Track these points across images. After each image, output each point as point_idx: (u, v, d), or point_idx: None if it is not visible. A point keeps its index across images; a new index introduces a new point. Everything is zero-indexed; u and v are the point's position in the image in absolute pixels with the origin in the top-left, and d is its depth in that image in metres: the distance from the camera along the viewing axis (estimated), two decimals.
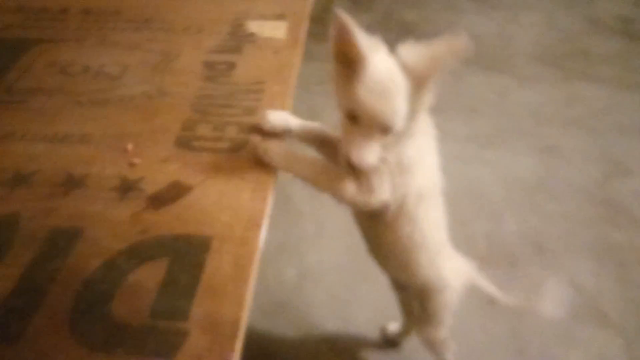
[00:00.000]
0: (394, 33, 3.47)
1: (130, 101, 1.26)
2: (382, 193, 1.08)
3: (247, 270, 0.87)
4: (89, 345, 0.77)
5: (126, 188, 1.02)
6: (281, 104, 1.23)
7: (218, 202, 0.99)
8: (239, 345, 0.77)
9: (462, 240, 2.16)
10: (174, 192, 1.01)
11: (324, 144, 1.18)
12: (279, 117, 1.14)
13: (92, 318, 0.80)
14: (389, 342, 1.83)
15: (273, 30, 1.48)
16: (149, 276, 0.86)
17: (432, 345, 1.56)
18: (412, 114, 1.00)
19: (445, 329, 1.50)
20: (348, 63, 0.97)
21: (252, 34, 1.47)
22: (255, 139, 1.10)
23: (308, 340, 1.85)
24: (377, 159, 1.01)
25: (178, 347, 0.76)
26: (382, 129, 0.98)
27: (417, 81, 0.96)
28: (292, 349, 1.84)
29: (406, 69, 0.95)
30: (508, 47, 3.55)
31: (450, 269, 1.37)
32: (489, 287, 1.53)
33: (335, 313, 1.91)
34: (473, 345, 1.84)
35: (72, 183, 1.04)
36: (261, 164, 1.06)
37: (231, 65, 1.37)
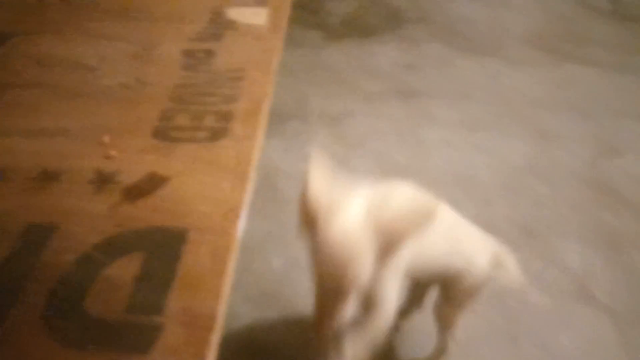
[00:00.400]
0: (382, 19, 3.46)
1: (108, 92, 1.24)
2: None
3: (225, 261, 0.86)
4: (64, 341, 0.76)
5: (102, 181, 1.01)
6: (261, 90, 1.21)
7: (196, 192, 0.97)
8: (215, 339, 0.76)
9: None
10: (151, 184, 0.99)
11: None
12: None
13: (67, 314, 0.79)
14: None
15: (253, 16, 1.46)
16: (124, 270, 0.85)
17: (443, 322, 1.54)
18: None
19: (461, 314, 1.50)
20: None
21: (232, 21, 1.45)
22: None
23: (297, 330, 1.84)
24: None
25: (153, 342, 0.74)
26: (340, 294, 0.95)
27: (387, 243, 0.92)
28: (281, 338, 1.83)
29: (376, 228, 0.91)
30: (499, 30, 3.54)
31: (480, 261, 1.37)
32: None
33: None
34: (465, 329, 1.83)
35: (47, 177, 1.02)
36: (242, 153, 1.04)
37: (211, 54, 1.35)
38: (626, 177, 2.43)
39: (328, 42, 3.43)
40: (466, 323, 1.84)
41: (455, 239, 1.30)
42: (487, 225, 2.15)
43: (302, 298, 1.78)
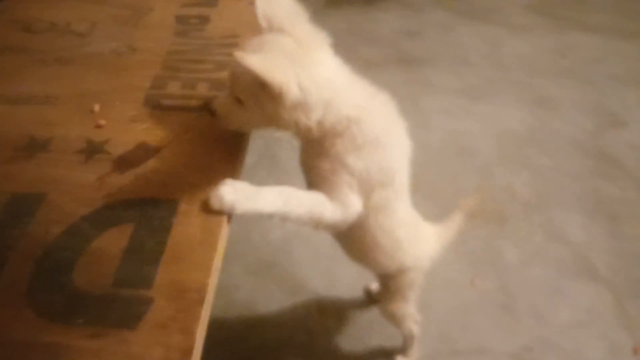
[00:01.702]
0: None
1: (98, 59, 1.21)
2: (354, 205, 1.00)
3: (215, 234, 0.84)
4: (48, 315, 0.74)
5: (92, 151, 0.98)
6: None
7: (187, 163, 0.95)
8: (205, 313, 0.74)
9: (451, 195, 2.16)
10: (141, 154, 0.97)
11: None
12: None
13: (52, 287, 0.77)
14: (373, 301, 1.81)
15: None
16: (113, 242, 0.83)
17: (396, 321, 1.52)
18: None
19: (411, 304, 1.46)
20: None
21: None
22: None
23: (296, 300, 1.84)
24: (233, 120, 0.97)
25: (141, 316, 0.73)
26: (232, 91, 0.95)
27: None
28: (280, 309, 1.83)
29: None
30: None
31: (413, 255, 1.29)
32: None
33: (321, 272, 1.90)
34: (461, 300, 1.83)
35: (35, 146, 0.99)
36: None
37: (205, 19, 1.31)
38: (629, 147, 2.40)
39: (329, 8, 3.37)
40: (462, 294, 1.84)
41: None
42: (488, 196, 2.16)
43: (301, 268, 1.77)
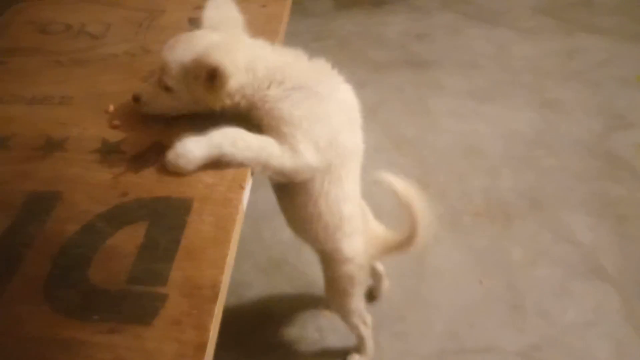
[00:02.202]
0: None
1: (112, 60, 1.23)
2: (303, 152, 1.01)
3: (228, 232, 0.85)
4: (65, 311, 0.76)
5: (107, 150, 1.00)
6: None
7: None
8: (218, 310, 0.76)
9: (459, 196, 2.17)
10: (156, 153, 0.99)
11: None
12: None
13: (69, 284, 0.79)
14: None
15: None
16: (127, 240, 0.84)
17: (342, 316, 1.51)
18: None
19: (355, 301, 1.44)
20: None
21: None
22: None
23: (306, 298, 1.86)
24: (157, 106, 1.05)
25: (156, 313, 0.74)
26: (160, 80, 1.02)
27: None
28: (290, 306, 1.85)
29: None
30: None
31: (352, 244, 1.28)
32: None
33: None
34: (468, 299, 1.84)
35: (51, 146, 1.01)
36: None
37: None
38: (636, 148, 2.39)
39: (338, 11, 3.38)
40: (469, 294, 1.85)
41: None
42: (495, 196, 2.17)
43: (311, 267, 1.78)
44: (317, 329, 1.78)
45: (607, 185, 2.23)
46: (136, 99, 1.05)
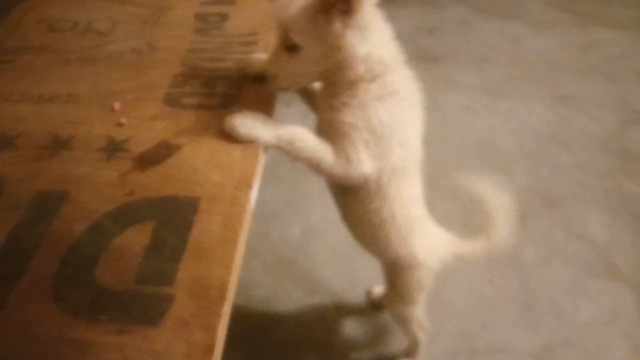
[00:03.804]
0: None
1: (119, 58, 1.22)
2: (360, 164, 1.01)
3: (236, 231, 0.84)
4: (73, 311, 0.75)
5: (113, 149, 0.99)
6: None
7: (208, 161, 0.95)
8: (226, 310, 0.75)
9: (471, 193, 2.14)
10: (162, 152, 0.97)
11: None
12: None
13: (77, 284, 0.78)
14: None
15: None
16: (135, 239, 0.83)
17: (402, 322, 1.50)
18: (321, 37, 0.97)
19: (418, 307, 1.43)
20: None
21: None
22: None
23: (314, 298, 1.85)
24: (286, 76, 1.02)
25: (164, 313, 0.74)
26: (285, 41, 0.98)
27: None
28: (298, 306, 1.84)
29: None
30: None
31: (424, 247, 1.27)
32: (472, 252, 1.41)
33: (339, 270, 1.90)
34: (481, 299, 1.82)
35: (58, 145, 1.01)
36: None
37: (224, 17, 1.32)
38: None
39: None
40: (483, 293, 1.83)
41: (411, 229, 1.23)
42: (508, 194, 2.14)
43: (319, 266, 1.77)
44: (325, 330, 1.78)
45: (622, 182, 2.20)
46: (260, 77, 1.03)
